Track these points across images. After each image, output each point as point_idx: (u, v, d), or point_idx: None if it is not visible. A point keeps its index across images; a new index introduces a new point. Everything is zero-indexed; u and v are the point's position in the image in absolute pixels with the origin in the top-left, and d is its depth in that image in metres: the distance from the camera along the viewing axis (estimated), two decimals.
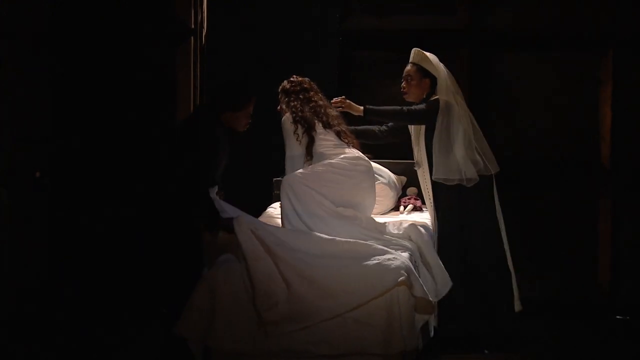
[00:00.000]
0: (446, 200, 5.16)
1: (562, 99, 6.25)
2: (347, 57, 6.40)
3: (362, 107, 5.25)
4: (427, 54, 5.21)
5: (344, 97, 5.32)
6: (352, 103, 5.28)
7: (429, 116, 5.17)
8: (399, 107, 5.22)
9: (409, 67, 5.27)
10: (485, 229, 5.15)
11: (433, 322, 4.86)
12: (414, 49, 5.29)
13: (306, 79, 5.26)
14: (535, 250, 6.24)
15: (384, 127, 5.56)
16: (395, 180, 5.94)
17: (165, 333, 4.51)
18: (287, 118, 5.15)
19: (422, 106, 5.21)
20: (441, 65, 5.20)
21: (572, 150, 6.27)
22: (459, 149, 5.07)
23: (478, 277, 5.12)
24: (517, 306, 5.24)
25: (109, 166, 6.07)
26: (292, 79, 5.26)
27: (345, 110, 5.26)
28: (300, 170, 4.98)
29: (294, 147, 5.09)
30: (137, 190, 5.91)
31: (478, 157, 5.12)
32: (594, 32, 6.19)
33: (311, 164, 5.03)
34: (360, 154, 5.14)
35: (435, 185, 5.21)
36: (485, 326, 5.12)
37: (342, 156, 5.04)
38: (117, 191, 6.07)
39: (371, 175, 5.12)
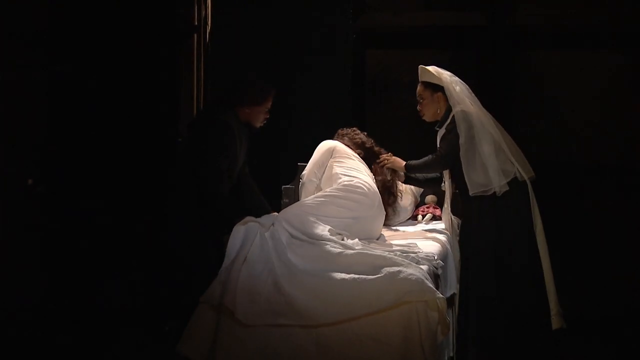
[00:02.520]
0: (479, 213, 5.01)
1: (596, 100, 6.18)
2: (361, 56, 6.34)
3: (403, 163, 5.28)
4: (428, 67, 5.14)
5: (390, 153, 5.35)
6: (397, 159, 5.30)
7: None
8: (433, 157, 5.13)
9: (418, 87, 5.22)
10: (521, 243, 5.01)
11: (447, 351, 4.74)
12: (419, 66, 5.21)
13: (363, 136, 5.52)
14: (568, 264, 6.12)
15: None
16: (412, 188, 5.84)
17: (168, 352, 4.47)
18: (326, 143, 5.38)
19: (449, 142, 5.06)
20: (444, 74, 5.12)
21: (606, 155, 6.21)
22: (491, 158, 4.94)
23: (510, 295, 4.97)
24: (556, 323, 5.09)
25: (107, 173, 6.03)
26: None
27: (390, 166, 5.32)
28: (297, 203, 5.05)
29: (312, 173, 5.30)
30: (138, 197, 5.88)
31: (509, 167, 4.99)
32: (630, 30, 6.13)
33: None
34: (368, 183, 5.11)
35: (466, 198, 5.06)
36: (518, 350, 4.96)
37: (345, 182, 5.06)
38: (116, 199, 6.02)
39: (373, 206, 5.06)
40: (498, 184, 4.94)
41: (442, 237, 5.20)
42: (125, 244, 6.03)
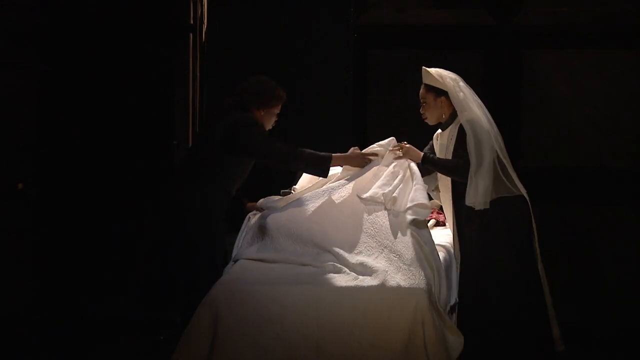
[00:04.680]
0: (475, 226, 4.97)
1: (606, 100, 6.16)
2: (363, 55, 6.32)
3: (421, 154, 5.12)
4: (431, 69, 5.07)
5: (405, 142, 5.19)
6: (413, 148, 5.14)
7: None
8: (456, 161, 4.99)
9: (421, 89, 5.13)
10: (520, 260, 4.96)
11: None
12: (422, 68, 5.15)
13: None
14: (575, 272, 6.11)
15: None
16: None
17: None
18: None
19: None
20: (448, 77, 5.01)
21: (616, 157, 6.18)
22: (490, 171, 4.90)
23: (506, 316, 4.94)
24: (559, 345, 5.03)
25: (100, 176, 6.00)
26: None
27: (403, 157, 5.13)
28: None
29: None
30: (133, 200, 5.91)
31: (509, 181, 4.93)
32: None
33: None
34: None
35: (462, 209, 5.03)
36: None
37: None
38: (110, 203, 6.00)
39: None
40: (483, 200, 4.88)
41: (445, 243, 5.19)
42: (120, 249, 6.01)
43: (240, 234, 5.03)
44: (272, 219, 4.87)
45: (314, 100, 6.13)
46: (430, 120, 5.13)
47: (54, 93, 6.02)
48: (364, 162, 5.06)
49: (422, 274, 4.47)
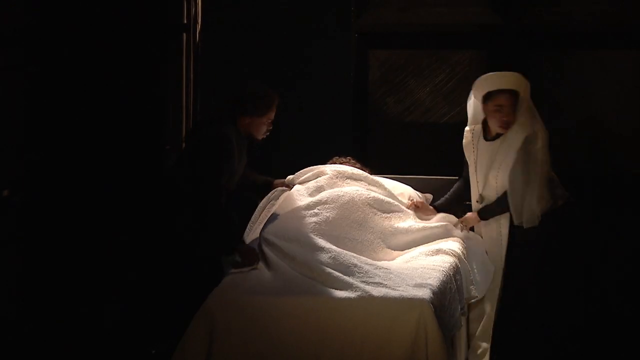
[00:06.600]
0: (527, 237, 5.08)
1: (619, 103, 6.11)
2: (364, 56, 6.29)
3: (477, 217, 5.30)
4: (513, 73, 5.20)
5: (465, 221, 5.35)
6: (470, 218, 5.35)
7: None
8: (503, 199, 5.13)
9: (503, 94, 5.17)
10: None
11: None
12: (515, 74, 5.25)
13: (360, 165, 5.68)
14: (597, 292, 6.06)
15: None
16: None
17: None
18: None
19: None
20: (527, 85, 5.15)
21: (629, 163, 6.12)
22: (540, 188, 5.00)
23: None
24: None
25: (90, 182, 5.98)
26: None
27: (466, 227, 5.34)
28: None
29: None
30: (124, 208, 5.94)
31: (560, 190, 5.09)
32: None
33: None
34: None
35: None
36: None
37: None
38: (99, 211, 6.00)
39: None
40: (530, 218, 5.01)
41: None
42: (110, 258, 5.98)
43: (258, 209, 5.10)
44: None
45: (314, 101, 6.14)
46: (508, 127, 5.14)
47: (43, 95, 6.00)
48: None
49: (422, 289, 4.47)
